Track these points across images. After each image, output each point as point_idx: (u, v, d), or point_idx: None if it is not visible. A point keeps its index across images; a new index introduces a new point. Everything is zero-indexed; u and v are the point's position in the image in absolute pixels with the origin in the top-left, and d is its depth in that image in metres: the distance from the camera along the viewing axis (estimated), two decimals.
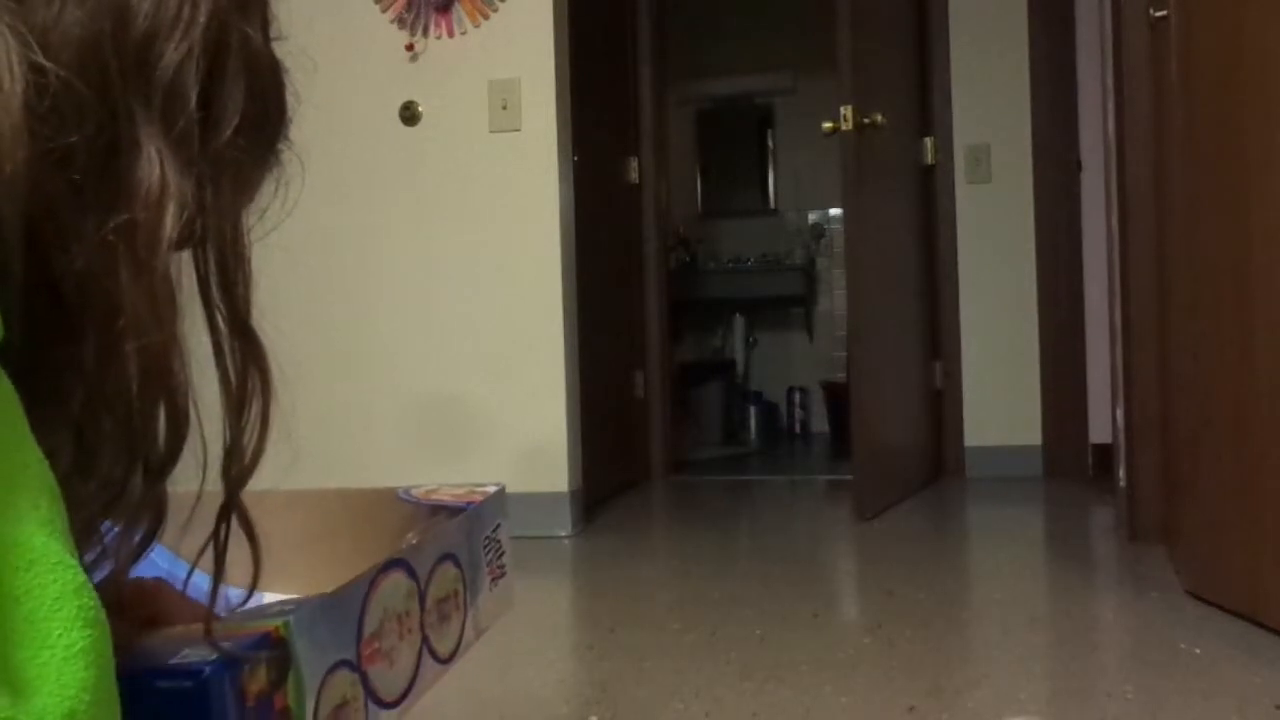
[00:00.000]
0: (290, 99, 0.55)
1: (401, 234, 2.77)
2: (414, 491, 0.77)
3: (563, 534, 2.64)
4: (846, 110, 2.77)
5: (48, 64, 0.39)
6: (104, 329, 0.41)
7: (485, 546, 0.75)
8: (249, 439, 0.49)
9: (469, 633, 0.71)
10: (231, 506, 0.49)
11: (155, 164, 0.43)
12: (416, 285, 2.76)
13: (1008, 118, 3.48)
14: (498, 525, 0.77)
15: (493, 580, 0.75)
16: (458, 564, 0.70)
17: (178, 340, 0.44)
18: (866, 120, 2.84)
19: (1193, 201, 1.86)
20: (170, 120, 0.45)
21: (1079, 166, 3.42)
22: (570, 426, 2.69)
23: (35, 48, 0.39)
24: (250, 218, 0.54)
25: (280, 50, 0.54)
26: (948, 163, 3.53)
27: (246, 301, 0.50)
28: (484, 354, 2.72)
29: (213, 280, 0.48)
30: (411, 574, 0.63)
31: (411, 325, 2.76)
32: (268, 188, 0.57)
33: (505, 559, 0.78)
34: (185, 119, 0.45)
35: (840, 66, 2.81)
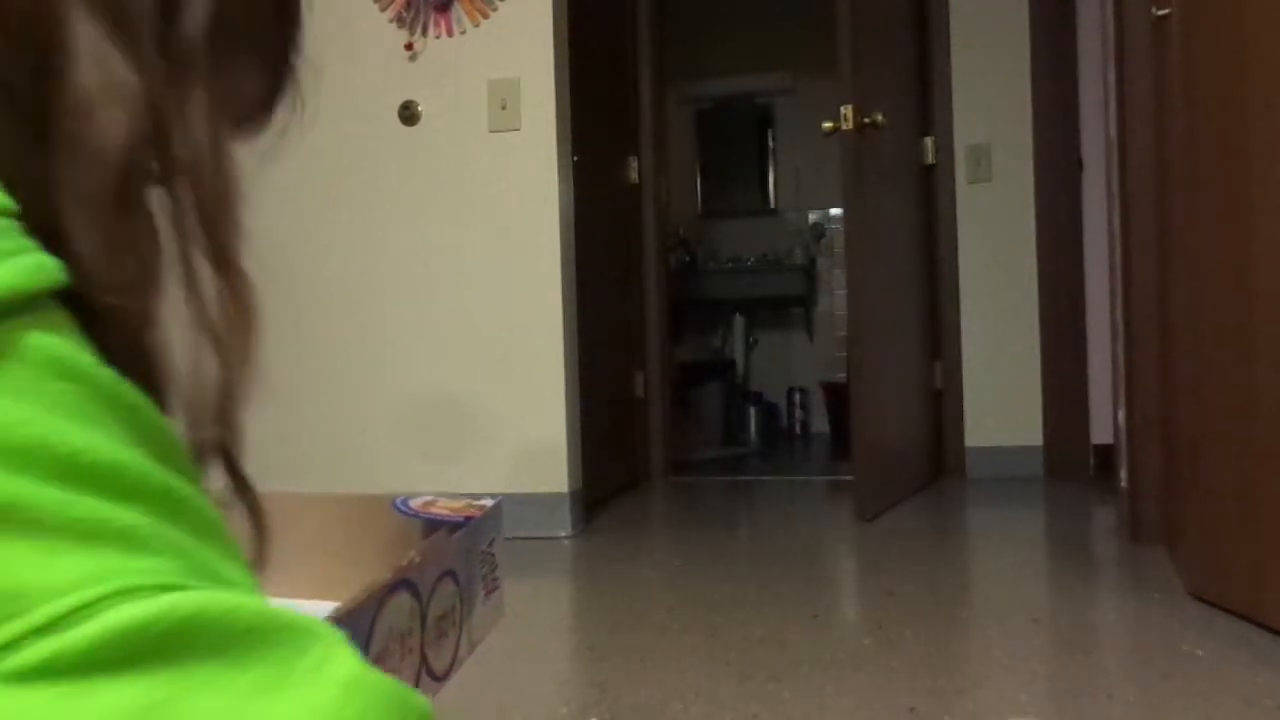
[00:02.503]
0: (303, 2, 0.46)
1: (401, 234, 2.77)
2: (411, 503, 0.75)
3: (563, 534, 2.64)
4: (847, 110, 2.77)
5: None
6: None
7: (482, 563, 0.74)
8: (234, 376, 0.42)
9: (463, 649, 0.70)
10: (232, 455, 0.42)
11: (95, 61, 0.35)
12: (416, 285, 2.76)
13: (1008, 117, 3.48)
14: (492, 539, 0.76)
15: (486, 594, 0.74)
16: (456, 581, 0.69)
17: (148, 301, 0.37)
18: (867, 120, 2.84)
19: (1194, 200, 1.85)
20: (114, 10, 0.36)
21: (1080, 166, 3.42)
22: (570, 426, 2.69)
23: None
24: (251, 146, 0.47)
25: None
26: (948, 162, 3.53)
27: (232, 230, 0.42)
28: (484, 354, 2.71)
29: (185, 204, 0.39)
30: (415, 594, 0.62)
31: (411, 325, 2.76)
32: (278, 112, 0.48)
33: (498, 572, 0.77)
34: (133, 5, 0.37)
35: (840, 66, 2.80)
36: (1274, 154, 1.58)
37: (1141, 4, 2.23)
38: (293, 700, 0.28)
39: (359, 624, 0.55)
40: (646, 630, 1.77)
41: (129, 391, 0.32)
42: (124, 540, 0.28)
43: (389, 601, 0.58)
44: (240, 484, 0.44)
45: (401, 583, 0.60)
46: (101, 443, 0.29)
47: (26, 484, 0.27)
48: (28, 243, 0.31)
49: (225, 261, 0.40)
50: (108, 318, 0.34)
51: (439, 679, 0.66)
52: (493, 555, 0.76)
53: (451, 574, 0.68)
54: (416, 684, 0.62)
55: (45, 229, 0.32)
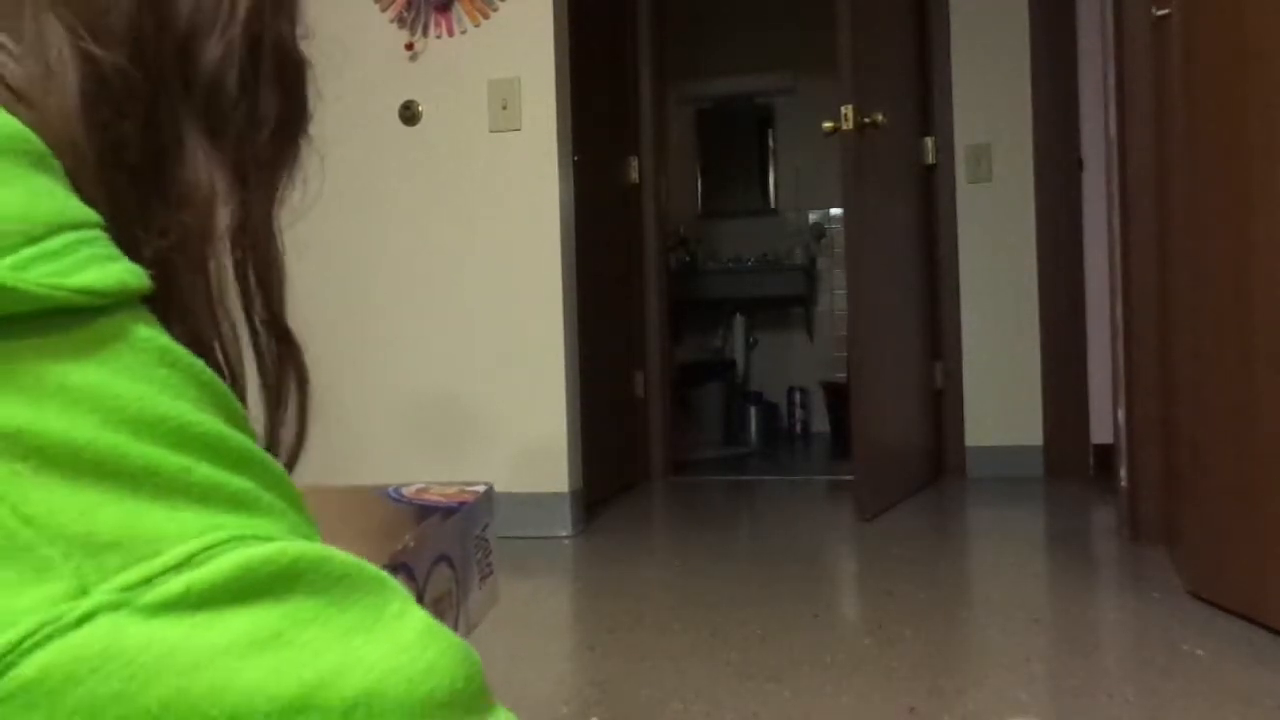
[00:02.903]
0: (312, 96, 0.56)
1: (401, 233, 2.77)
2: (403, 490, 0.76)
3: (563, 534, 2.64)
4: (847, 110, 2.77)
5: (99, 52, 0.40)
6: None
7: (476, 547, 0.75)
8: (287, 435, 0.51)
9: (460, 632, 0.71)
10: None
11: (202, 166, 0.44)
12: (416, 285, 2.76)
13: (1008, 117, 3.48)
14: (485, 525, 0.78)
15: (481, 579, 0.76)
16: (451, 565, 0.70)
17: (234, 340, 0.45)
18: (867, 120, 2.84)
19: (1194, 201, 1.85)
20: (212, 120, 0.45)
21: (1080, 166, 3.42)
22: (570, 426, 2.69)
23: (86, 37, 0.40)
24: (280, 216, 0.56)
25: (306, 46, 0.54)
26: (948, 162, 3.53)
27: (281, 300, 0.51)
28: (484, 354, 2.71)
29: (250, 280, 0.49)
30: (411, 577, 0.63)
31: (411, 325, 2.76)
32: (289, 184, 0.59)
33: (492, 558, 0.79)
34: (228, 119, 0.46)
35: (840, 66, 2.81)
36: (1274, 154, 1.58)
37: (1141, 4, 2.23)
38: (384, 640, 0.33)
39: None
40: (646, 630, 1.78)
41: (218, 381, 0.37)
42: (235, 503, 0.33)
43: None
44: None
45: (398, 567, 0.61)
46: (208, 419, 0.34)
47: (154, 451, 0.32)
48: (119, 252, 0.36)
49: (279, 327, 0.50)
50: (180, 329, 0.41)
51: None
52: (486, 541, 0.78)
53: (447, 559, 0.69)
54: None
55: (130, 250, 0.39)
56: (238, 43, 0.46)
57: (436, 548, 0.68)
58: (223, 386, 0.37)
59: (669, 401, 3.87)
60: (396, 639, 0.33)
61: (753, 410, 4.89)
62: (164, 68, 0.43)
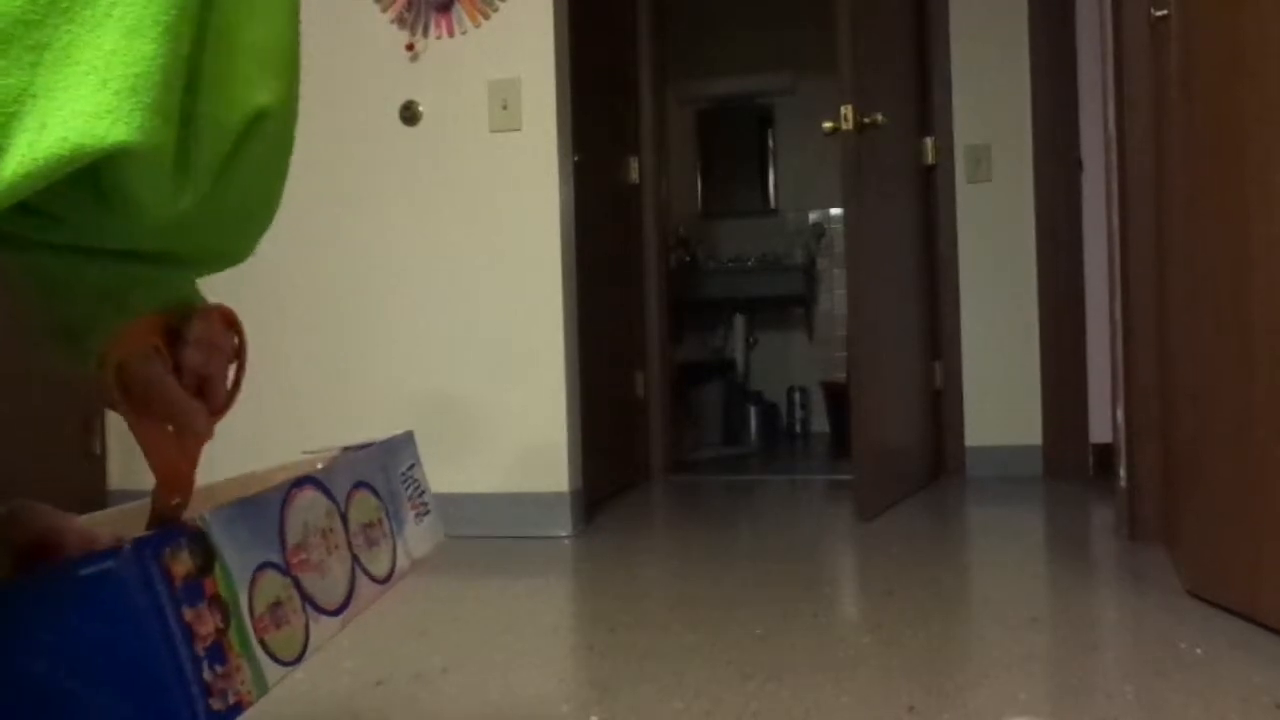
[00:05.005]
0: None
1: (401, 234, 2.77)
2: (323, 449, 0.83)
3: (563, 534, 2.64)
4: (847, 110, 2.77)
5: None
6: None
7: (404, 483, 0.81)
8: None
9: (401, 559, 0.76)
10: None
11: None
12: (416, 285, 2.76)
13: (1008, 117, 3.48)
14: (412, 465, 0.83)
15: (417, 515, 0.81)
16: (376, 494, 0.75)
17: None
18: (867, 120, 2.84)
19: (1193, 200, 1.86)
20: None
21: (1079, 166, 3.42)
22: (570, 426, 2.69)
23: None
24: None
25: None
26: (948, 162, 3.53)
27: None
28: (484, 354, 2.71)
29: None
30: (327, 494, 0.67)
31: (411, 325, 2.76)
32: None
33: (427, 497, 0.84)
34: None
35: (840, 66, 2.81)
36: (1272, 153, 1.58)
37: (1140, 5, 2.23)
38: None
39: (266, 509, 0.60)
40: (646, 630, 1.78)
41: None
42: None
43: (297, 496, 0.63)
44: None
45: (307, 479, 0.65)
46: None
47: None
48: None
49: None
50: None
51: (379, 582, 0.72)
52: (416, 480, 0.83)
53: (368, 486, 0.74)
54: (354, 580, 0.68)
55: None
56: None
57: (353, 474, 0.72)
58: None
59: (669, 401, 3.87)
60: None
61: (753, 410, 4.89)
62: None
